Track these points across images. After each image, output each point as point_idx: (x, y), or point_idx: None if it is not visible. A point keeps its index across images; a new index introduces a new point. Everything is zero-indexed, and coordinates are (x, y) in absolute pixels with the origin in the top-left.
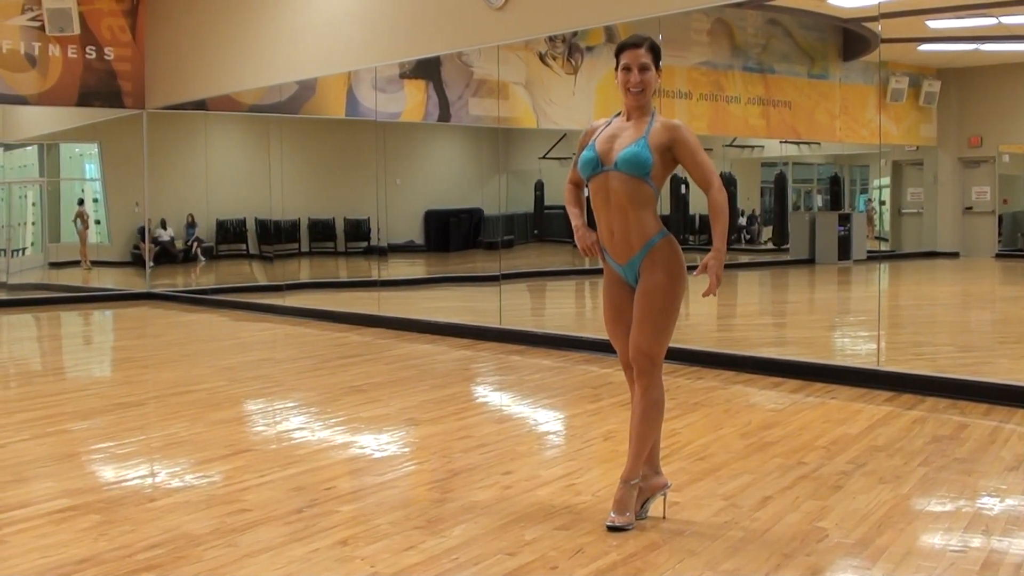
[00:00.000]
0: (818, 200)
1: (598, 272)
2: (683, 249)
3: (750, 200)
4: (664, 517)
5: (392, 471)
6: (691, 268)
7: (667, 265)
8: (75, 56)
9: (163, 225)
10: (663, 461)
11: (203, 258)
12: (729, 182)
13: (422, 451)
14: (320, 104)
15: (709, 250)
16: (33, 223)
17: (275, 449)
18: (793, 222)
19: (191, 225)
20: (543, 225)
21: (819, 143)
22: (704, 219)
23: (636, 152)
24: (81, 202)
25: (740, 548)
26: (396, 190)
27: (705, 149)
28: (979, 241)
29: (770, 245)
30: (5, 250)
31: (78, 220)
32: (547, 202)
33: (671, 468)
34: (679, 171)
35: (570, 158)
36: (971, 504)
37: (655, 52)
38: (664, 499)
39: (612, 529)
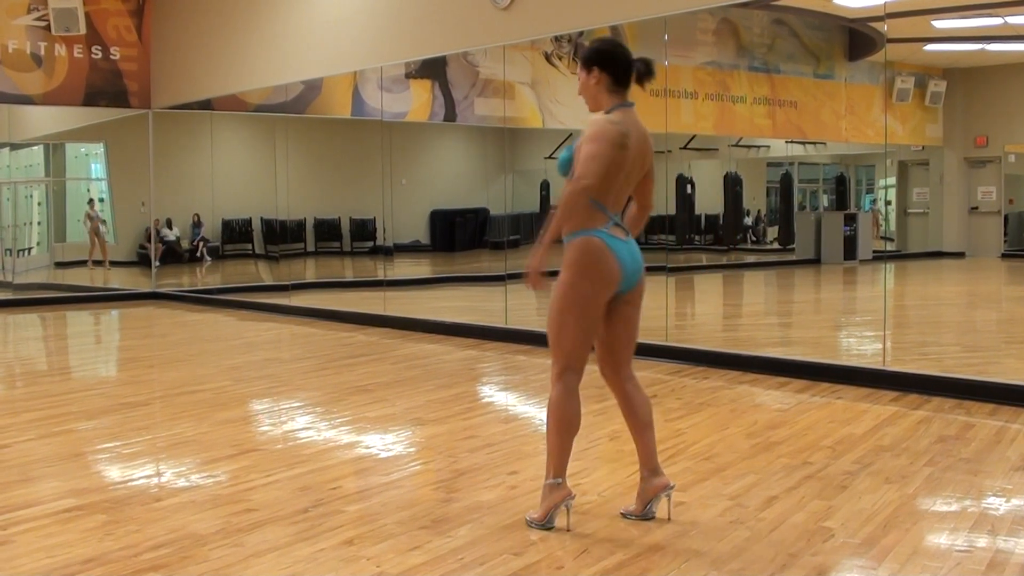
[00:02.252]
0: (824, 200)
1: None
2: (688, 248)
3: (756, 200)
4: (669, 518)
5: (398, 471)
6: (692, 268)
7: (570, 263)
8: (81, 56)
9: (169, 225)
10: (669, 461)
11: (209, 258)
12: (735, 181)
13: (428, 451)
14: (326, 104)
15: (713, 251)
16: (39, 223)
17: (281, 449)
18: (799, 222)
19: (197, 225)
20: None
21: (825, 143)
22: (709, 219)
23: (562, 155)
24: (90, 202)
25: (746, 548)
26: (402, 190)
27: (710, 149)
28: (985, 241)
29: (776, 245)
30: (11, 250)
31: (86, 221)
32: (553, 202)
33: (676, 468)
34: (684, 171)
35: None
36: (977, 504)
37: (584, 59)
38: (668, 499)
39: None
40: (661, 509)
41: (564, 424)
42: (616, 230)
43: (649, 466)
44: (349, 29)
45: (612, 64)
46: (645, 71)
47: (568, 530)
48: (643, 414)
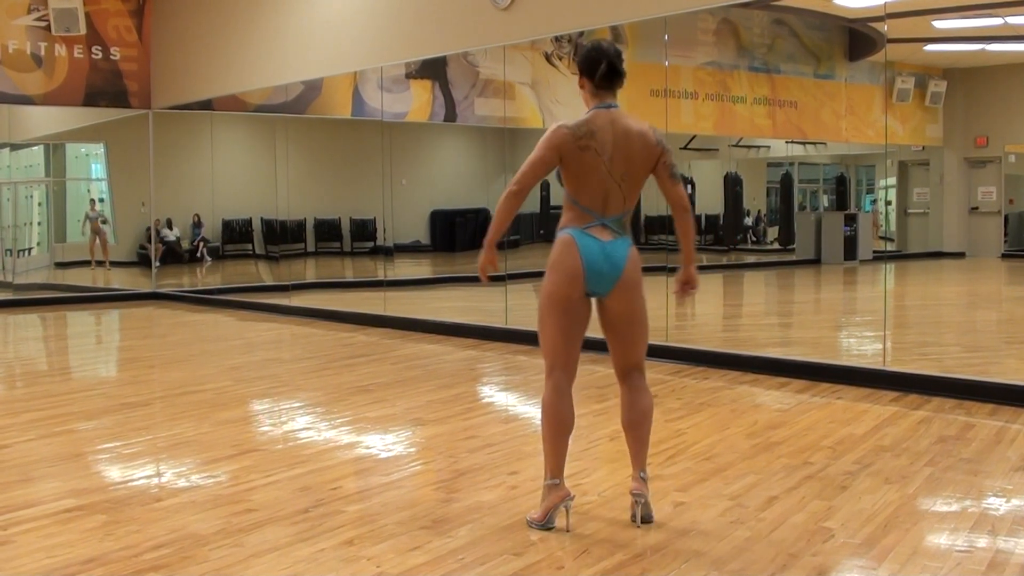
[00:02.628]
0: (824, 200)
1: None
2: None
3: (756, 200)
4: (639, 523)
5: (398, 471)
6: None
7: (548, 262)
8: (81, 56)
9: (169, 225)
10: (669, 461)
11: (209, 258)
12: (735, 182)
13: (428, 451)
14: (326, 104)
15: (714, 251)
16: (39, 223)
17: (281, 449)
18: (799, 222)
19: (197, 225)
20: (549, 225)
21: (825, 143)
22: (710, 219)
23: None
24: (91, 202)
25: (746, 548)
26: (402, 190)
27: (711, 149)
28: (985, 241)
29: (776, 245)
30: (11, 250)
31: (85, 221)
32: (553, 202)
33: (677, 468)
34: (684, 171)
35: None
36: (977, 504)
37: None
38: (638, 504)
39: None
40: (661, 514)
41: (554, 423)
42: (599, 230)
43: (634, 470)
44: (349, 29)
45: (587, 68)
46: (604, 72)
47: (568, 530)
48: (630, 417)
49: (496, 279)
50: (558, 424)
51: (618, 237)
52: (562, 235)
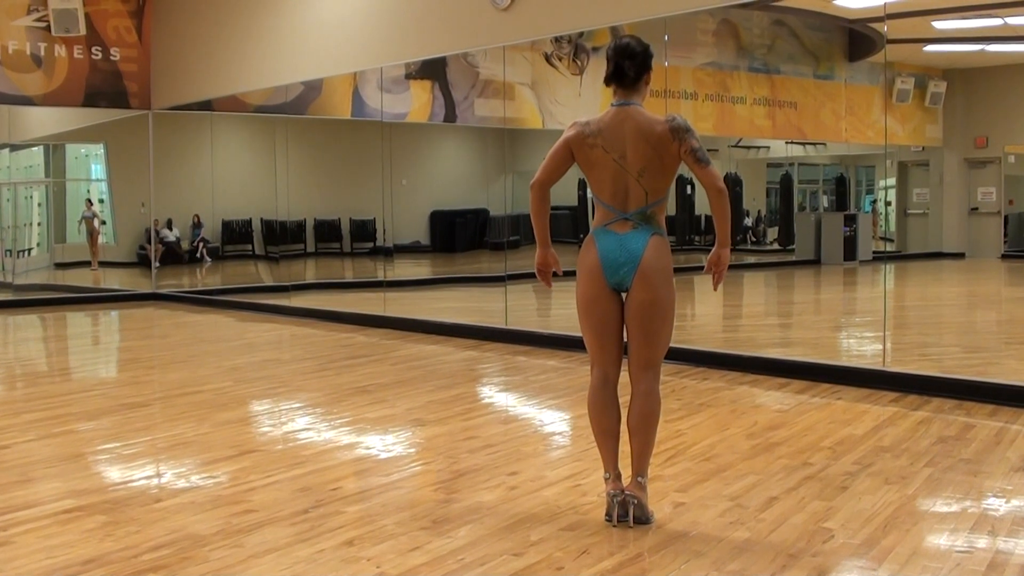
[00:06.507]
0: (824, 201)
1: None
2: (688, 249)
3: (756, 201)
4: (632, 523)
5: (398, 472)
6: (692, 269)
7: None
8: (81, 57)
9: (169, 225)
10: (669, 461)
11: (209, 259)
12: (735, 182)
13: (428, 452)
14: (326, 105)
15: (710, 250)
16: (39, 224)
17: (281, 450)
18: (799, 223)
19: (197, 226)
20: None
21: (825, 144)
22: (709, 220)
23: None
24: (87, 202)
25: (746, 549)
26: (402, 191)
27: (710, 149)
28: (985, 242)
29: (776, 246)
30: (11, 251)
31: (81, 221)
32: (553, 203)
33: (677, 468)
34: (684, 171)
35: None
36: (977, 505)
37: None
38: (630, 504)
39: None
40: (660, 514)
41: (593, 416)
42: (619, 225)
43: (632, 473)
44: (349, 30)
45: (606, 68)
46: (609, 73)
47: (614, 525)
48: (633, 421)
49: (496, 280)
50: (597, 416)
51: (639, 228)
52: (587, 237)
